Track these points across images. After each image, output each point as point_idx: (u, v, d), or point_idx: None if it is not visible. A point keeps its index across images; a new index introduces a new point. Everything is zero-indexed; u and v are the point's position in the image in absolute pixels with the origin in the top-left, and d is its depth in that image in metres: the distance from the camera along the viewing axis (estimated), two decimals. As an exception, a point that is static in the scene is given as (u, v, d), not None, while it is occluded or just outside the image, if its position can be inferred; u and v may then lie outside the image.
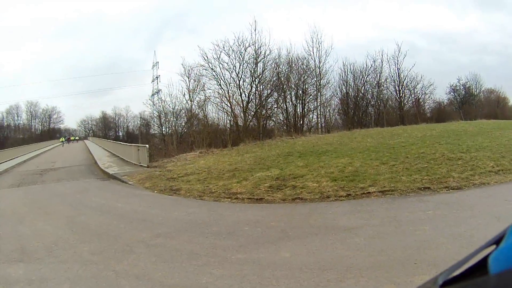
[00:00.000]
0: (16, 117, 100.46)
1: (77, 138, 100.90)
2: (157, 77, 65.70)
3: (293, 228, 7.48)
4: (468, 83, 54.79)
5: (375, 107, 44.83)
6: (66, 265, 6.23)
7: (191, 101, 36.40)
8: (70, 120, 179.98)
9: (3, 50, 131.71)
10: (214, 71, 34.88)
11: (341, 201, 9.50)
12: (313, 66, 39.29)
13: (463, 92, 54.89)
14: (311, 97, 39.37)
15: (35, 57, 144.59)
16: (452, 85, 54.87)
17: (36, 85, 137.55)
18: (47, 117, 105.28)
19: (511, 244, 0.61)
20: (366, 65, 44.02)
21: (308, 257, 5.76)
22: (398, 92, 45.49)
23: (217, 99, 35.34)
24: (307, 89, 38.66)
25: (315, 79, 39.15)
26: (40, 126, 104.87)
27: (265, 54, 35.10)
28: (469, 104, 52.51)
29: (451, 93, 55.39)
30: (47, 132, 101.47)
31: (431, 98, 48.55)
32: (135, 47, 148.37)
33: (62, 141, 77.24)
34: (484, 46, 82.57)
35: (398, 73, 44.87)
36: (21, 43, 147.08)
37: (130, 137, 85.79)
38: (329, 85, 41.56)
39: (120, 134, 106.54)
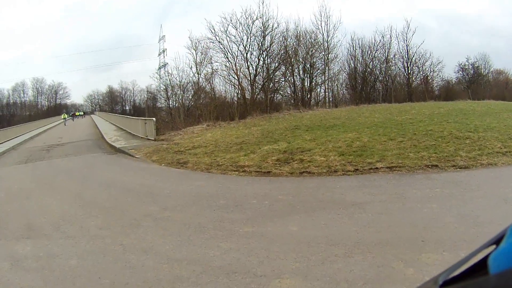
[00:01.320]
0: (22, 94, 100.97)
1: (82, 113, 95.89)
2: (163, 51, 65.27)
3: (300, 202, 7.50)
4: (477, 62, 54.01)
5: (383, 83, 44.52)
6: (73, 240, 6.29)
7: (198, 74, 36.26)
8: (77, 96, 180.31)
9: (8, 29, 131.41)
10: (221, 44, 34.67)
11: (349, 175, 9.48)
12: (321, 40, 39.02)
13: (472, 71, 54.03)
14: (319, 71, 39.15)
15: (41, 34, 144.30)
16: (461, 64, 54.14)
17: (42, 61, 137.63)
18: (53, 93, 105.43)
19: (511, 244, 0.59)
20: (375, 41, 43.59)
21: (316, 232, 5.77)
22: (406, 68, 45.08)
23: (224, 72, 35.24)
24: (315, 63, 38.43)
25: (323, 53, 38.89)
26: (46, 102, 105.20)
27: (273, 27, 34.79)
28: (477, 84, 51.83)
29: (460, 72, 54.57)
30: (54, 108, 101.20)
31: (440, 76, 48.10)
32: (143, 23, 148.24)
33: (64, 118, 58.86)
34: (495, 29, 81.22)
35: (407, 50, 44.43)
36: (26, 21, 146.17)
37: (137, 111, 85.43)
38: (337, 60, 41.39)
39: (127, 108, 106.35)
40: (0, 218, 8.05)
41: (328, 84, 40.89)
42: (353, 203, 7.09)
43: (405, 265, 4.43)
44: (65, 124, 55.42)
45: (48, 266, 5.23)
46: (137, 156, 15.95)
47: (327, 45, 39.08)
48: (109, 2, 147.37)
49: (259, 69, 34.82)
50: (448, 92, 45.61)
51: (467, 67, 53.94)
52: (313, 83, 38.77)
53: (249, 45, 34.70)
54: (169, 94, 39.73)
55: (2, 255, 5.84)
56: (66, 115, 61.98)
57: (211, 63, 35.98)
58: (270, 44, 35.00)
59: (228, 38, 34.54)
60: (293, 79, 37.64)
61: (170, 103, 40.45)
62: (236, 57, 34.67)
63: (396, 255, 4.69)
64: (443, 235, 5.23)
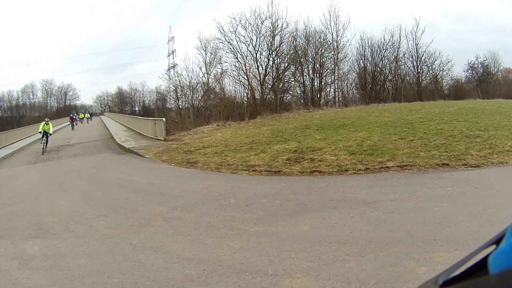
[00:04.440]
0: (31, 96, 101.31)
1: (88, 115, 76.72)
2: (172, 52, 65.75)
3: (311, 201, 7.47)
4: (486, 61, 53.66)
5: (393, 82, 44.33)
6: (82, 240, 6.30)
7: (207, 74, 36.35)
8: (86, 97, 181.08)
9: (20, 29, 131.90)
10: (230, 44, 34.86)
11: (360, 174, 9.46)
12: (330, 40, 38.92)
13: (481, 70, 53.80)
14: (328, 71, 39.09)
15: (51, 36, 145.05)
16: (470, 62, 53.85)
17: (51, 63, 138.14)
18: (62, 94, 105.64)
19: (511, 244, 0.59)
20: (384, 40, 43.36)
21: (327, 231, 5.73)
22: (416, 67, 44.87)
23: (234, 72, 35.33)
24: (325, 62, 38.38)
25: (333, 52, 38.79)
26: (56, 104, 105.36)
27: (282, 27, 34.83)
28: (487, 82, 51.52)
29: (469, 70, 54.32)
30: (63, 109, 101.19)
31: (449, 75, 47.76)
32: (152, 24, 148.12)
33: (44, 133, 23.50)
34: (506, 27, 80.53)
35: (416, 49, 44.16)
36: (35, 22, 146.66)
37: (146, 112, 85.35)
38: (347, 59, 41.15)
39: (136, 109, 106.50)
40: (10, 218, 8.09)
41: (337, 84, 40.80)
42: (364, 202, 7.06)
43: (417, 264, 4.39)
44: (44, 146, 23.68)
45: (56, 265, 5.23)
46: (146, 156, 16.01)
47: (337, 45, 39.00)
48: (119, 3, 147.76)
49: (268, 69, 34.92)
50: (458, 91, 45.32)
51: (476, 65, 53.68)
52: (322, 83, 38.78)
53: (259, 45, 34.81)
54: (178, 94, 39.82)
55: (11, 255, 5.85)
56: (50, 124, 24.79)
57: (221, 63, 36.16)
58: (280, 44, 35.08)
59: (237, 39, 34.74)
60: (303, 79, 37.73)
61: (180, 103, 40.55)
62: (246, 57, 34.82)
63: (408, 254, 4.65)
64: (455, 234, 5.18)
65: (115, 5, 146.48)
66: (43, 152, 22.90)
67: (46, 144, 23.55)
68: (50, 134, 24.01)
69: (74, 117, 55.20)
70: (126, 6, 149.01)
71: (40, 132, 23.62)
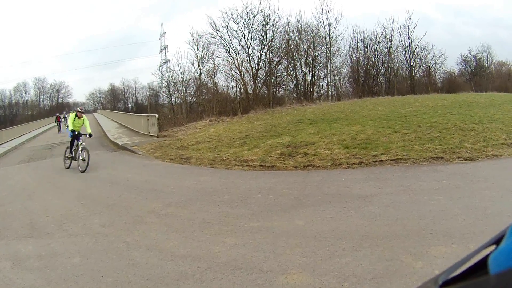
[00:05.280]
0: (24, 94, 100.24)
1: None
2: (165, 48, 65.20)
3: (306, 196, 7.47)
4: (479, 54, 53.70)
5: (386, 75, 44.29)
6: (76, 239, 6.25)
7: (200, 69, 36.21)
8: (79, 94, 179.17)
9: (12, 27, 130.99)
10: (222, 39, 34.73)
11: (354, 168, 9.46)
12: (323, 34, 38.90)
13: (474, 63, 53.78)
14: (321, 64, 39.05)
15: (50, 35, 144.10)
16: (463, 55, 53.84)
17: (44, 61, 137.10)
18: (55, 92, 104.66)
19: (511, 244, 0.58)
20: (377, 33, 43.27)
21: (323, 226, 5.71)
22: (408, 61, 44.81)
23: (226, 67, 35.23)
24: (317, 56, 38.32)
25: (325, 46, 38.77)
26: (48, 102, 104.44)
27: (274, 21, 34.77)
28: (480, 76, 51.56)
29: (462, 64, 54.32)
30: (56, 107, 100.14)
31: (442, 68, 47.72)
32: (144, 21, 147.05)
33: (76, 134, 13.54)
34: (499, 20, 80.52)
35: (409, 42, 44.11)
36: (27, 20, 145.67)
37: (139, 108, 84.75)
38: (339, 53, 41.09)
39: (129, 105, 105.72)
40: (3, 217, 8.03)
41: (330, 78, 40.81)
42: (359, 196, 7.05)
43: (414, 258, 4.37)
44: (82, 157, 13.07)
45: (50, 265, 5.18)
46: (140, 153, 15.98)
47: (329, 39, 39.00)
48: (118, 2, 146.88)
49: (261, 63, 34.83)
50: (451, 84, 45.37)
51: (469, 59, 53.71)
52: (315, 77, 38.73)
53: (251, 40, 34.73)
54: (171, 90, 39.66)
55: (4, 255, 5.79)
56: (84, 118, 14.21)
57: (213, 58, 36.00)
58: (272, 38, 34.98)
59: (229, 33, 34.68)
60: (296, 73, 37.65)
61: (173, 99, 40.40)
62: (238, 52, 34.76)
63: (404, 248, 4.64)
64: (452, 227, 5.17)
65: (114, 5, 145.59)
66: (84, 169, 12.87)
67: (87, 155, 13.14)
68: (90, 135, 14.01)
69: (61, 117, 40.32)
70: (125, 5, 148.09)
71: (72, 132, 13.92)
